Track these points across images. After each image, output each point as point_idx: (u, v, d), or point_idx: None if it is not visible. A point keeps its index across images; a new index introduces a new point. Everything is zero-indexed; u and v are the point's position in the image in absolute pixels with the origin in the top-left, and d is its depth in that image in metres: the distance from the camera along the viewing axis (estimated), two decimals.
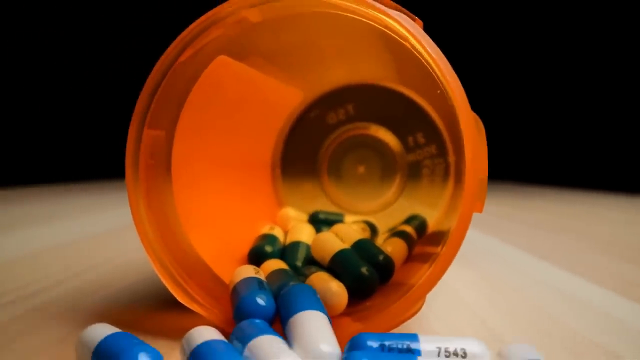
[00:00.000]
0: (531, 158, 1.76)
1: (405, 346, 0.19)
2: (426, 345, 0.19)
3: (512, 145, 1.82)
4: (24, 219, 0.68)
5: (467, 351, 0.19)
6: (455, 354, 0.19)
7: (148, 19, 1.80)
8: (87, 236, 0.55)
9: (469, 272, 0.40)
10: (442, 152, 0.41)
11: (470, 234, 0.58)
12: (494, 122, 1.85)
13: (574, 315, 0.29)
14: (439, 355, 0.19)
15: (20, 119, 1.48)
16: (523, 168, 1.78)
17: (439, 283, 0.22)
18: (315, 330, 0.20)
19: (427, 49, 0.21)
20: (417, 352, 0.19)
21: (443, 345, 0.19)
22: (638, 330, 0.26)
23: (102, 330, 0.20)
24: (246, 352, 0.19)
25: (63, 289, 0.33)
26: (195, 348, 0.19)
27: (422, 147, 0.41)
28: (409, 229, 0.38)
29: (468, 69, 1.84)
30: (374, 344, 0.19)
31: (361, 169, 0.43)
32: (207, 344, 0.19)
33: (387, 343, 0.19)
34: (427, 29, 0.23)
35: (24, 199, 0.98)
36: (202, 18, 0.24)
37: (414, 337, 0.20)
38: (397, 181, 0.42)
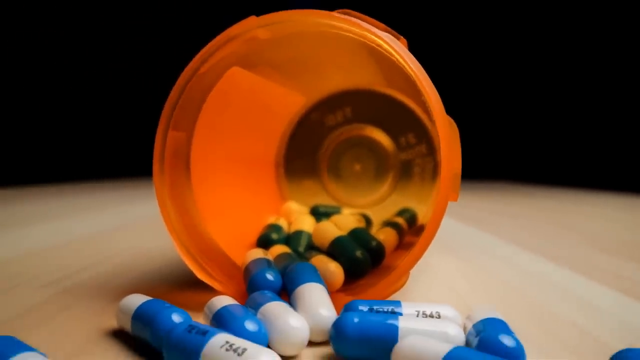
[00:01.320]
0: (528, 158, 1.80)
1: (389, 309, 0.23)
2: (407, 309, 0.23)
3: (510, 146, 1.86)
4: (48, 213, 0.72)
5: (441, 314, 0.23)
6: (431, 315, 0.23)
7: (147, 19, 1.84)
8: (108, 229, 0.59)
9: (454, 259, 0.44)
10: (431, 151, 0.45)
11: (462, 228, 0.62)
12: (492, 125, 1.89)
13: (543, 293, 0.33)
14: (417, 316, 0.23)
15: (41, 122, 1.52)
16: (520, 168, 1.82)
17: (427, 268, 0.26)
18: (316, 297, 0.24)
19: (409, 63, 0.25)
20: (399, 314, 0.23)
21: (421, 309, 0.23)
22: (596, 306, 0.30)
23: (138, 299, 0.24)
24: (259, 315, 0.23)
25: (94, 272, 0.37)
26: (216, 311, 0.23)
27: (413, 146, 0.46)
28: (400, 220, 0.42)
29: (467, 74, 1.88)
30: (364, 307, 0.23)
31: (358, 167, 0.47)
32: (226, 308, 0.23)
33: (375, 307, 0.23)
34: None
35: (48, 196, 1.02)
36: (219, 36, 0.28)
37: (397, 303, 0.24)
38: (390, 178, 0.46)
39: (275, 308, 0.23)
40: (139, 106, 1.85)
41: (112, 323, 0.26)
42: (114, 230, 0.59)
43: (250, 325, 0.21)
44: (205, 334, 0.19)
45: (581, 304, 0.30)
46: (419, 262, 0.41)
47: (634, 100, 1.36)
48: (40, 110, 1.57)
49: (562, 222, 0.69)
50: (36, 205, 0.86)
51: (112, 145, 1.81)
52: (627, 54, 1.38)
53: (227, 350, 0.18)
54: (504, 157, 1.86)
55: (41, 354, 0.18)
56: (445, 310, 0.23)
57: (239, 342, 0.18)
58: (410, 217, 0.44)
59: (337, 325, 0.21)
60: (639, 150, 1.33)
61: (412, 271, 0.38)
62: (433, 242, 0.51)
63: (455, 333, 0.21)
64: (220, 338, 0.19)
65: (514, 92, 1.85)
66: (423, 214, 0.44)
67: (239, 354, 0.18)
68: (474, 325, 0.21)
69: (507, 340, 0.20)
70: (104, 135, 1.79)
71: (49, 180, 1.49)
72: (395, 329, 0.21)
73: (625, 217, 0.76)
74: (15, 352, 0.17)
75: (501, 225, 0.66)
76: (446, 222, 0.67)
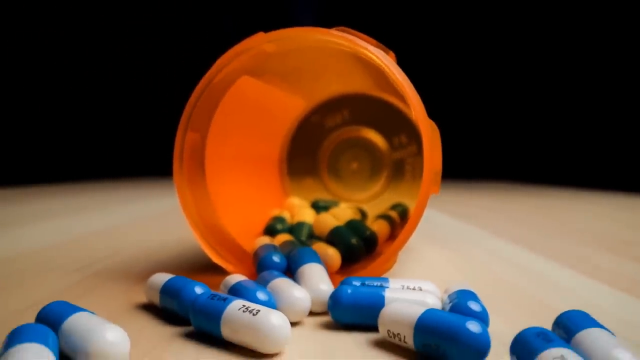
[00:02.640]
0: (528, 159, 1.84)
1: (378, 284, 0.27)
2: (393, 284, 0.27)
3: (510, 147, 1.90)
4: (60, 211, 0.76)
5: (423, 288, 0.27)
6: (414, 288, 0.27)
7: (146, 20, 1.88)
8: (118, 224, 0.63)
9: (443, 250, 0.48)
10: (421, 151, 0.49)
11: (455, 224, 0.66)
12: (492, 126, 1.93)
13: (516, 276, 0.37)
14: (402, 289, 0.27)
15: (53, 124, 1.56)
16: (521, 168, 1.86)
17: (416, 257, 0.30)
18: (316, 274, 0.28)
19: (395, 74, 0.29)
20: (386, 287, 0.27)
21: (405, 284, 0.27)
22: (570, 288, 0.34)
23: (164, 276, 0.28)
24: (268, 289, 0.27)
25: (115, 260, 0.41)
26: (232, 286, 0.27)
27: (405, 146, 0.50)
28: (393, 214, 0.46)
29: (465, 78, 1.92)
30: (357, 282, 0.27)
31: (355, 165, 0.51)
32: (240, 283, 0.27)
33: (366, 282, 0.28)
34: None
35: (57, 195, 1.06)
36: (232, 50, 0.32)
37: (385, 279, 0.28)
38: (384, 176, 0.51)
39: (282, 283, 0.27)
40: (140, 107, 1.89)
41: (141, 299, 0.30)
42: (124, 225, 0.63)
43: (261, 295, 0.25)
44: (225, 300, 0.23)
45: (546, 283, 0.34)
46: (410, 252, 0.45)
47: (630, 99, 1.40)
48: (50, 112, 1.61)
49: (552, 219, 0.73)
50: (48, 204, 0.90)
51: (113, 145, 1.85)
52: (624, 54, 1.42)
53: (243, 312, 0.22)
54: (504, 158, 1.90)
55: (91, 312, 0.22)
56: (426, 285, 0.28)
57: (254, 305, 0.23)
58: (402, 211, 0.48)
59: (334, 295, 0.25)
60: (634, 150, 1.37)
61: (403, 259, 0.42)
62: (425, 235, 0.55)
63: (433, 302, 0.25)
64: (238, 303, 0.23)
65: (512, 94, 1.89)
66: (413, 208, 0.48)
67: (253, 314, 0.22)
68: (449, 296, 0.26)
69: (474, 306, 0.24)
70: (105, 135, 1.83)
71: (56, 180, 1.53)
72: (382, 298, 0.25)
73: (615, 214, 0.80)
74: (72, 311, 0.22)
75: (493, 221, 0.70)
76: (441, 219, 0.71)
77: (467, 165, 1.94)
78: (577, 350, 0.19)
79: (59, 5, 1.60)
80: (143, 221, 0.67)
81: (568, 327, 0.21)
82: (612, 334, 0.20)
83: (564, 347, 0.18)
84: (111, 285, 0.34)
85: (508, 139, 1.90)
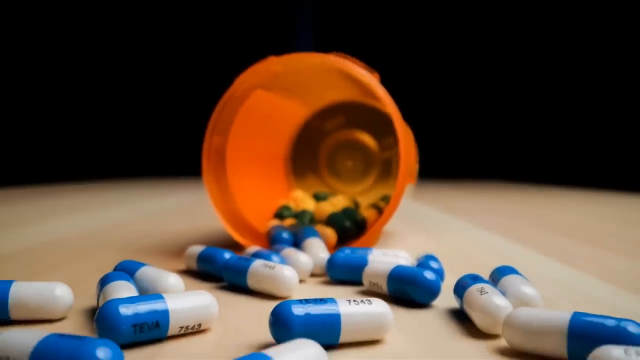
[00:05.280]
0: (524, 160, 1.92)
1: (364, 252, 0.36)
2: (375, 252, 0.36)
3: (505, 148, 1.98)
4: (84, 205, 0.85)
5: (399, 255, 0.36)
6: (391, 255, 0.35)
7: (146, 20, 1.97)
8: (142, 215, 0.71)
9: (424, 234, 0.56)
10: None
11: (442, 216, 0.74)
12: (491, 127, 2.01)
13: (483, 254, 0.45)
14: (382, 255, 0.35)
15: (68, 126, 1.65)
16: (517, 169, 1.94)
17: (400, 240, 0.38)
18: (317, 246, 0.37)
19: (377, 91, 0.38)
20: (370, 253, 0.35)
21: (385, 252, 0.36)
22: (525, 263, 0.42)
23: (200, 247, 0.37)
24: (280, 255, 0.35)
25: (151, 240, 0.49)
26: (253, 253, 0.36)
27: (392, 147, 0.58)
28: (382, 204, 0.54)
29: (462, 84, 2.00)
30: (348, 251, 0.36)
31: (350, 163, 0.60)
32: (259, 251, 0.35)
33: (355, 251, 0.36)
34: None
35: (92, 190, 1.15)
36: (249, 70, 0.41)
37: (370, 249, 0.36)
38: (375, 172, 0.59)
39: (290, 251, 0.35)
40: (144, 109, 1.98)
41: (180, 267, 0.39)
42: (147, 216, 0.71)
43: (275, 258, 0.34)
44: (249, 260, 0.32)
45: (504, 258, 0.43)
46: (395, 236, 0.53)
47: (624, 99, 1.47)
48: (84, 117, 1.69)
49: (531, 212, 0.81)
50: (78, 199, 0.98)
51: (132, 149, 1.94)
52: (620, 53, 1.47)
53: (264, 268, 0.31)
54: (501, 158, 1.98)
55: (149, 264, 0.30)
56: (401, 254, 0.36)
57: (271, 263, 0.31)
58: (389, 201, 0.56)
59: (330, 259, 0.34)
60: (624, 149, 1.44)
61: (388, 241, 0.50)
62: (412, 225, 0.63)
63: (404, 263, 0.33)
64: (259, 261, 0.31)
65: (509, 98, 1.97)
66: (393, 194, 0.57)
67: (271, 268, 0.30)
68: (417, 259, 0.34)
69: (433, 264, 0.32)
70: (124, 140, 1.92)
71: (82, 179, 1.62)
72: (366, 260, 0.33)
73: (592, 209, 0.88)
74: (141, 265, 0.30)
75: (477, 213, 0.78)
76: (430, 212, 0.80)
77: (466, 165, 2.02)
78: (498, 288, 0.28)
79: (61, 5, 1.65)
80: (163, 213, 0.75)
81: (496, 274, 0.29)
82: (527, 279, 0.28)
83: (486, 283, 0.26)
84: (153, 258, 0.42)
85: (506, 140, 1.98)
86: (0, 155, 1.41)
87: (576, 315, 0.20)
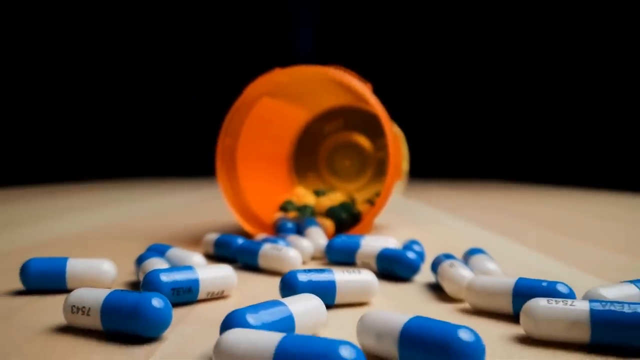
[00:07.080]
0: (522, 160, 1.97)
1: (359, 237, 0.41)
2: (368, 238, 0.42)
3: (504, 149, 2.03)
4: (98, 202, 0.91)
5: (388, 241, 0.41)
6: (381, 241, 0.41)
7: (146, 21, 2.02)
8: (160, 211, 0.77)
9: (415, 227, 0.61)
10: None
11: (434, 212, 0.80)
12: (489, 127, 2.06)
13: (467, 243, 0.50)
14: (374, 240, 0.41)
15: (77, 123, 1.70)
16: (515, 169, 1.99)
17: (392, 232, 0.43)
18: (317, 233, 0.42)
19: (369, 99, 0.43)
20: (362, 239, 0.41)
21: (376, 238, 0.41)
22: (505, 253, 0.48)
23: (216, 234, 0.42)
24: (286, 240, 0.41)
25: (169, 232, 0.55)
26: (262, 239, 0.41)
27: (386, 148, 0.64)
28: (376, 199, 0.60)
29: (460, 85, 2.05)
30: (344, 238, 0.42)
31: (347, 163, 0.65)
32: (267, 239, 0.41)
33: (351, 238, 0.42)
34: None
35: (107, 188, 1.20)
36: (257, 81, 0.46)
37: (363, 236, 0.42)
38: (370, 171, 0.65)
39: (294, 238, 0.41)
40: (144, 109, 2.04)
41: (199, 250, 0.44)
42: (161, 212, 0.77)
43: (281, 242, 0.39)
44: (259, 244, 0.37)
45: (485, 247, 0.48)
46: (387, 228, 0.59)
47: (623, 99, 1.51)
48: (96, 119, 1.75)
49: (522, 209, 0.87)
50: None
51: (123, 146, 2.00)
52: (620, 53, 1.50)
53: (272, 250, 0.36)
54: (500, 158, 2.03)
55: (177, 247, 0.36)
56: (390, 240, 0.42)
57: (278, 246, 0.37)
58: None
59: (329, 243, 0.39)
60: (620, 149, 1.49)
61: (380, 232, 0.56)
62: (404, 219, 0.69)
63: (392, 247, 0.39)
64: (268, 244, 0.37)
65: (508, 95, 2.02)
66: (383, 188, 0.62)
67: (278, 250, 0.36)
68: (403, 243, 0.40)
69: (416, 247, 0.38)
70: (113, 137, 1.98)
71: (97, 178, 1.68)
72: (359, 244, 0.39)
73: (582, 207, 0.94)
74: (169, 247, 0.36)
75: (468, 210, 0.84)
76: (423, 208, 0.85)
77: (465, 166, 2.08)
78: (467, 265, 0.33)
79: (62, 5, 1.70)
80: (163, 213, 0.81)
81: (467, 254, 0.35)
82: (492, 258, 0.34)
83: (456, 260, 0.32)
84: (176, 243, 0.47)
85: (506, 140, 2.02)
86: (0, 155, 1.45)
87: (520, 280, 0.26)
